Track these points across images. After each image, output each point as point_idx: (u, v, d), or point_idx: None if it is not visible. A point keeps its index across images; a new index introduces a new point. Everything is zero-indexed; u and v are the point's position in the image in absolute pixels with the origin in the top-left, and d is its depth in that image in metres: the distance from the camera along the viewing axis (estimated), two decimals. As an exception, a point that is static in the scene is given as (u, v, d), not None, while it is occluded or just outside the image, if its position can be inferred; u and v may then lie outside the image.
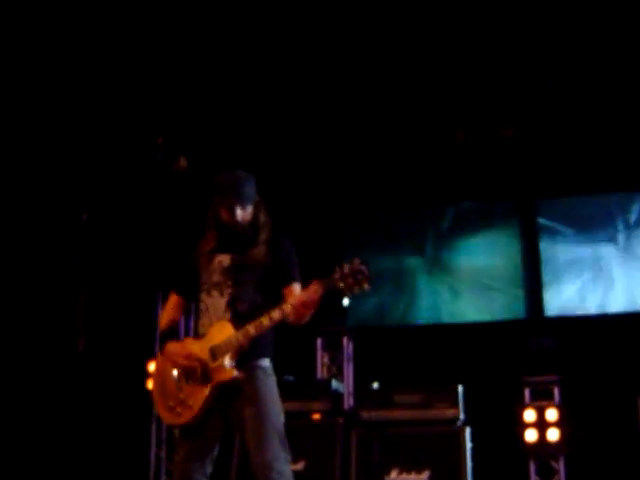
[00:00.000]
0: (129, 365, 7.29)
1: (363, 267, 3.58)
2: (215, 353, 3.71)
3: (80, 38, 6.59)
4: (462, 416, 6.13)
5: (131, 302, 7.36)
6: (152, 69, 7.03)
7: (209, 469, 3.82)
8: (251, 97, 7.46)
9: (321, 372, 7.38)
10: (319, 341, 7.45)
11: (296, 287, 3.88)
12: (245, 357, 3.75)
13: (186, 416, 3.74)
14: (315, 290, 3.60)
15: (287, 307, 3.63)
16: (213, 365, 3.71)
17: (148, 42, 6.75)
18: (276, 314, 3.65)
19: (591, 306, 7.87)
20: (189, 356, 3.74)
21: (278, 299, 3.82)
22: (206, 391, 3.71)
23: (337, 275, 3.58)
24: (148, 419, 7.41)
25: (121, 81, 7.07)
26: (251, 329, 3.68)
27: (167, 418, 3.87)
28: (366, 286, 3.59)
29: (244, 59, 7.03)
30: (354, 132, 8.03)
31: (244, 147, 7.70)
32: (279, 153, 8.00)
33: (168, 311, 4.04)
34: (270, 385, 3.85)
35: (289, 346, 4.14)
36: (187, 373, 3.76)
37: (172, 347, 3.81)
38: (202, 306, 3.89)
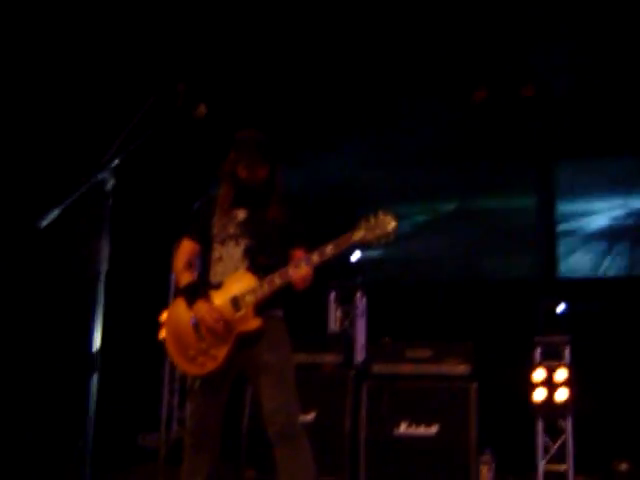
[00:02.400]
0: (143, 314, 7.34)
1: (389, 217, 3.60)
2: (238, 303, 3.71)
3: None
4: (472, 372, 6.17)
5: (144, 254, 7.39)
6: (172, 17, 6.98)
7: (223, 413, 3.88)
8: (275, 47, 7.41)
9: (334, 325, 7.41)
10: (332, 295, 7.46)
11: (305, 249, 3.89)
12: (264, 307, 3.77)
13: (210, 366, 3.74)
14: (345, 241, 3.62)
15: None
16: (237, 315, 3.71)
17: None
18: (303, 263, 3.66)
19: (605, 269, 7.87)
20: (218, 318, 3.71)
21: (289, 258, 3.85)
22: (230, 341, 3.72)
23: (364, 226, 3.61)
24: (161, 367, 7.49)
25: (140, 28, 7.03)
26: (277, 279, 3.69)
27: (187, 368, 3.85)
28: (393, 236, 3.61)
29: (259, 10, 6.97)
30: (369, 92, 7.98)
31: (264, 96, 7.69)
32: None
33: (183, 255, 4.01)
34: (285, 335, 3.90)
35: (302, 299, 4.15)
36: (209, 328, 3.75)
37: (201, 307, 3.75)
38: (215, 255, 3.89)
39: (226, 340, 3.73)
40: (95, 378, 2.87)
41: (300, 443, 3.73)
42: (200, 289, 3.87)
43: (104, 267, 2.88)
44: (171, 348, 3.92)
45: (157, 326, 7.03)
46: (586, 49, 7.37)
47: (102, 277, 2.88)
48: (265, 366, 3.75)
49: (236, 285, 3.75)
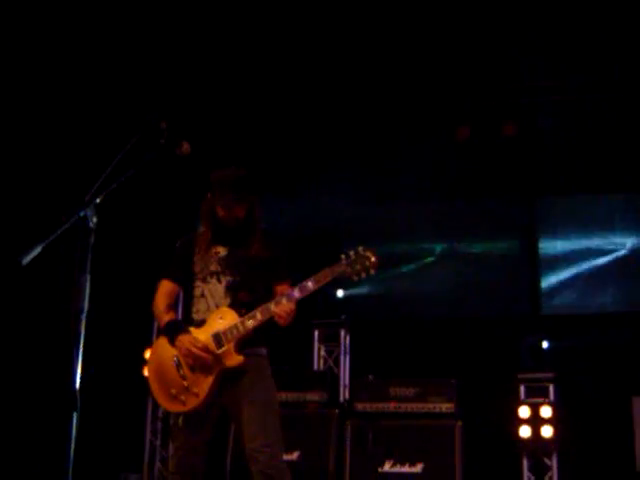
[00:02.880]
0: (126, 353, 7.28)
1: (368, 253, 3.65)
2: (220, 339, 3.70)
3: (88, 21, 6.59)
4: (457, 410, 6.14)
5: (128, 290, 7.35)
6: (157, 53, 7.02)
7: (206, 452, 3.84)
8: (256, 84, 7.45)
9: (318, 364, 7.39)
10: (316, 333, 7.45)
11: (287, 285, 3.89)
12: (247, 344, 3.76)
13: (191, 404, 3.73)
14: (325, 276, 3.63)
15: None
16: (219, 352, 3.70)
17: (153, 26, 6.74)
18: (284, 299, 3.67)
19: (588, 305, 7.89)
20: (203, 348, 3.70)
21: (271, 294, 3.85)
22: (212, 378, 3.71)
23: (344, 261, 3.65)
24: (143, 407, 7.42)
25: (124, 65, 7.07)
26: (259, 315, 3.69)
27: (169, 406, 3.84)
28: (372, 271, 3.66)
29: (248, 44, 7.01)
30: (354, 131, 8.04)
31: (247, 134, 7.71)
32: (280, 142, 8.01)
33: (163, 297, 4.00)
34: (268, 373, 3.88)
35: (287, 337, 4.14)
36: (193, 362, 3.74)
37: (184, 339, 3.75)
38: (197, 292, 3.89)
39: (208, 376, 3.71)
40: (76, 417, 2.83)
41: (284, 482, 3.68)
42: (181, 326, 3.86)
43: (85, 305, 2.86)
44: (154, 386, 3.90)
45: (139, 365, 6.98)
46: (569, 88, 7.47)
47: (84, 315, 2.86)
48: (248, 404, 3.72)
49: (218, 322, 3.74)
